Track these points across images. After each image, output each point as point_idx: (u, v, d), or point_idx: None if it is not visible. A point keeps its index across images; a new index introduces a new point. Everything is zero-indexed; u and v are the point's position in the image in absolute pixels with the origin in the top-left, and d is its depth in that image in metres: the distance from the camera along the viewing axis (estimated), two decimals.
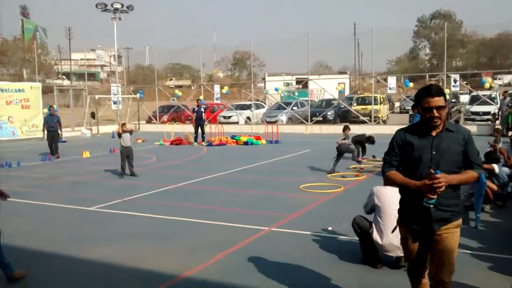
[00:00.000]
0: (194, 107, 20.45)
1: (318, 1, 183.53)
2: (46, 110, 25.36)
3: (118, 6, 30.02)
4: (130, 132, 12.61)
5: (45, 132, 16.52)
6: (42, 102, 25.86)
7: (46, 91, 31.01)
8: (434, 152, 3.44)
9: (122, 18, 31.05)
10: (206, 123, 21.97)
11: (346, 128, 12.46)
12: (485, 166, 7.99)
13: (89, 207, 8.70)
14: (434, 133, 3.47)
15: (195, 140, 19.84)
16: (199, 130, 19.85)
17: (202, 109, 20.16)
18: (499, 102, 22.64)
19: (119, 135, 12.41)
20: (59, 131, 16.61)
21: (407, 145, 3.55)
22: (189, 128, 26.07)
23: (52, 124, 16.41)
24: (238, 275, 5.27)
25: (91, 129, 26.56)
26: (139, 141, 21.60)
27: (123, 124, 12.94)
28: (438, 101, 3.38)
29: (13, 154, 17.12)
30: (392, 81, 28.65)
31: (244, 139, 19.71)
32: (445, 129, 3.47)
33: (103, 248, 6.32)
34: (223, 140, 19.91)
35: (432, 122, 3.40)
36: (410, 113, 22.87)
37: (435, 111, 3.37)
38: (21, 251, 6.30)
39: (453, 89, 28.56)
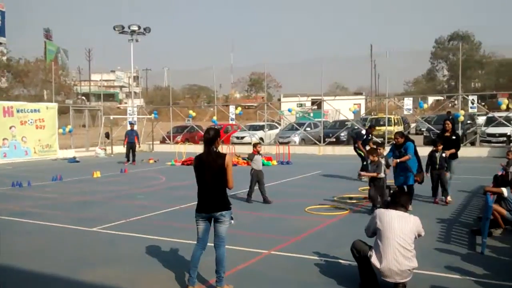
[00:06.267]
0: None
1: (336, 22, 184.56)
2: (61, 130, 25.90)
3: (135, 28, 30.57)
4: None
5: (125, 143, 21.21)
6: (59, 122, 26.29)
7: (65, 111, 31.50)
8: None
9: (139, 40, 31.57)
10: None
11: None
12: (494, 189, 7.79)
13: (92, 228, 8.67)
14: None
15: None
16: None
17: None
18: None
19: (251, 157, 10.99)
20: (137, 143, 21.33)
21: None
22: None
23: (131, 137, 20.92)
24: None
25: (105, 149, 26.79)
26: (151, 161, 21.74)
27: (257, 144, 11.36)
28: None
29: (24, 173, 17.28)
30: (408, 102, 28.45)
31: None
32: None
33: (102, 270, 6.25)
34: (234, 161, 19.86)
35: None
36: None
37: None
38: (19, 272, 6.28)
39: (470, 110, 28.19)
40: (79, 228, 8.69)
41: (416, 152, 9.98)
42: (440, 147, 10.21)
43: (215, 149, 5.38)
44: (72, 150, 26.52)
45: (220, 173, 5.30)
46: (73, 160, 23.02)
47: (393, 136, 10.55)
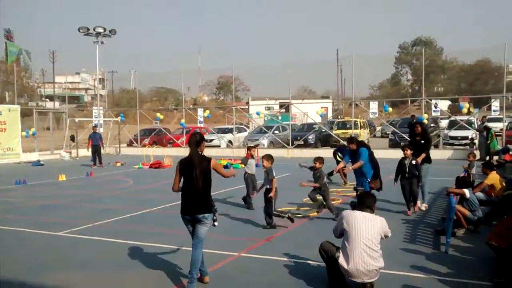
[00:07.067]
0: None
1: (304, 27, 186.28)
2: (24, 133, 25.22)
3: (100, 30, 30.15)
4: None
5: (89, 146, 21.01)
6: (22, 125, 25.59)
7: (28, 113, 30.71)
8: None
9: (104, 42, 31.14)
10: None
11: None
12: (457, 191, 8.03)
13: (57, 232, 8.49)
14: None
15: None
16: None
17: None
18: (477, 127, 22.99)
19: (244, 162, 10.54)
20: (101, 145, 21.15)
21: None
22: (169, 151, 25.91)
23: (95, 140, 20.81)
24: None
25: (70, 152, 26.26)
26: (118, 164, 21.42)
27: (251, 148, 10.82)
28: None
29: None
30: (373, 106, 28.98)
31: (223, 162, 19.62)
32: None
33: (67, 275, 6.13)
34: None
35: None
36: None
37: None
38: None
39: (433, 114, 28.99)
40: (44, 233, 8.49)
41: (372, 158, 9.58)
42: (409, 152, 9.60)
43: (200, 152, 5.61)
44: (36, 153, 25.89)
45: (206, 175, 5.49)
46: (37, 163, 22.48)
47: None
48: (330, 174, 14.00)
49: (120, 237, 8.02)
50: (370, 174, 9.46)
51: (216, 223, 5.68)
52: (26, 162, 23.55)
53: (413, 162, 9.55)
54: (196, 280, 5.42)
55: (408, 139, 23.00)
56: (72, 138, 27.35)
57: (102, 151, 21.29)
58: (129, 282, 5.86)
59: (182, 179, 5.61)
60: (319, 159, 9.38)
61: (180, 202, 5.60)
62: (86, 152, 26.18)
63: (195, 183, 5.44)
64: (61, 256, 7.09)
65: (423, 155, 10.10)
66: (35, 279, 6.02)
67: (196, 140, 5.61)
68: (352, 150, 9.79)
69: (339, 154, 14.33)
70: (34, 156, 25.17)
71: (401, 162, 9.73)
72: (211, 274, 5.93)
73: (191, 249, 6.72)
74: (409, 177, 9.52)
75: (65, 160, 24.93)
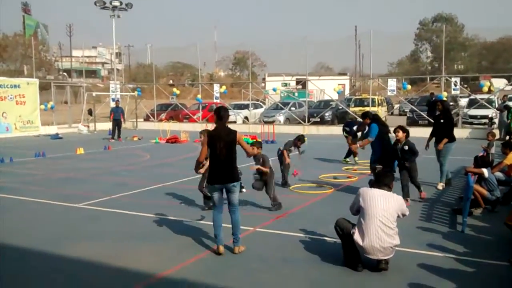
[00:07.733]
0: None
1: (322, 2, 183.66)
2: (43, 107, 25.53)
3: (117, 3, 30.05)
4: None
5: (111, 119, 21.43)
6: (40, 98, 25.87)
7: (46, 87, 30.99)
8: None
9: (121, 15, 31.04)
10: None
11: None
12: (475, 170, 7.94)
13: (76, 204, 8.65)
14: None
15: None
16: None
17: None
18: (497, 106, 22.59)
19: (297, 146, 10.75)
20: (122, 119, 21.56)
21: None
22: (186, 126, 26.05)
23: (117, 114, 21.10)
24: (215, 275, 5.23)
25: (88, 126, 26.54)
26: (135, 138, 21.61)
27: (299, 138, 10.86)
28: None
29: (6, 150, 17.04)
30: (392, 83, 28.54)
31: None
32: None
33: (85, 246, 6.26)
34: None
35: None
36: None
37: None
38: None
39: (453, 92, 28.53)
40: (62, 204, 8.65)
41: (383, 137, 8.89)
42: (400, 135, 8.45)
43: (226, 125, 6.00)
44: (55, 127, 26.23)
45: (232, 146, 5.88)
46: (56, 136, 22.79)
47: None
48: (346, 156, 13.95)
49: (136, 210, 8.14)
50: (378, 153, 8.91)
51: (244, 190, 6.13)
52: (45, 135, 23.90)
53: (405, 147, 8.37)
54: (240, 240, 5.93)
55: (427, 117, 22.82)
56: (90, 112, 27.59)
57: (122, 125, 21.76)
58: (145, 253, 5.95)
59: (209, 151, 5.93)
60: (257, 144, 8.35)
61: (208, 172, 5.98)
62: (103, 126, 26.49)
63: (223, 154, 5.80)
64: (79, 227, 7.24)
65: (445, 140, 9.55)
66: (55, 249, 6.15)
67: (223, 114, 5.95)
68: (367, 125, 9.64)
69: (346, 128, 14.43)
70: (52, 129, 25.50)
71: (393, 147, 8.64)
72: (227, 248, 5.99)
73: (206, 222, 6.86)
74: (403, 163, 8.47)
75: (83, 134, 25.21)
